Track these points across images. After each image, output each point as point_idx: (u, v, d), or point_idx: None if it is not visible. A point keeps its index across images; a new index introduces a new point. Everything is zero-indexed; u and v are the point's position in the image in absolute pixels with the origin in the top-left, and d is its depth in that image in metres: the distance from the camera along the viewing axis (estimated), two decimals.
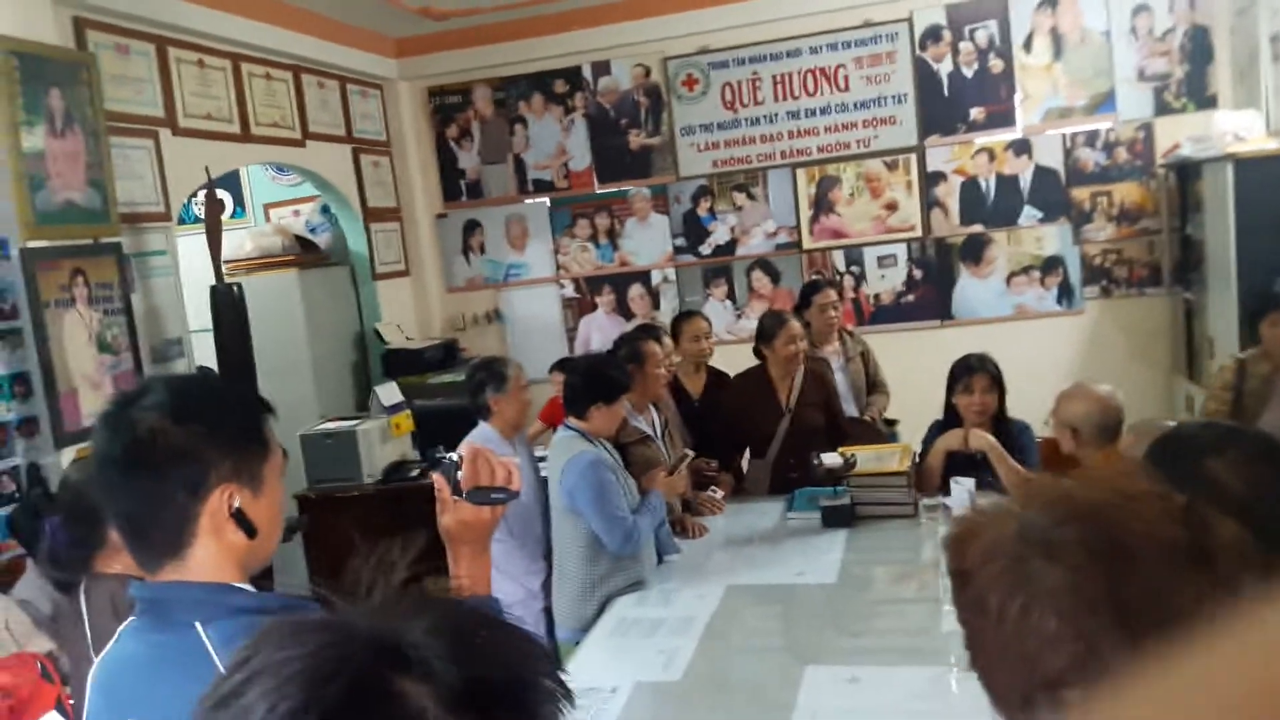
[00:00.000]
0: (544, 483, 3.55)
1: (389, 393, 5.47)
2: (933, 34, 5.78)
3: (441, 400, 5.47)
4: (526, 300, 6.56)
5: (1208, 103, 5.42)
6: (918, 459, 3.71)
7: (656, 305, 6.32)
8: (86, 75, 3.88)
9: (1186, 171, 5.00)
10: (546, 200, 6.44)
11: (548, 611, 3.34)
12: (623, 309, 6.39)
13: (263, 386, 4.61)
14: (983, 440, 3.47)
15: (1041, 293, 5.83)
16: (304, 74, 5.61)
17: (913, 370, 5.09)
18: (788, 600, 2.85)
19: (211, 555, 1.22)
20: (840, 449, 3.63)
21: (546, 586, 3.39)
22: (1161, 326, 5.65)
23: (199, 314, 4.63)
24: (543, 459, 3.81)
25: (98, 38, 4.14)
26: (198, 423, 1.21)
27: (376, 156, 6.33)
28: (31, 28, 3.64)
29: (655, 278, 6.31)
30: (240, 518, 1.22)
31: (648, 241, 6.30)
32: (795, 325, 3.95)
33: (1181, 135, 5.32)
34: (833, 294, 4.56)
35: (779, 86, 6.00)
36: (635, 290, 6.35)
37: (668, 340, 3.78)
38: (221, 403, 1.28)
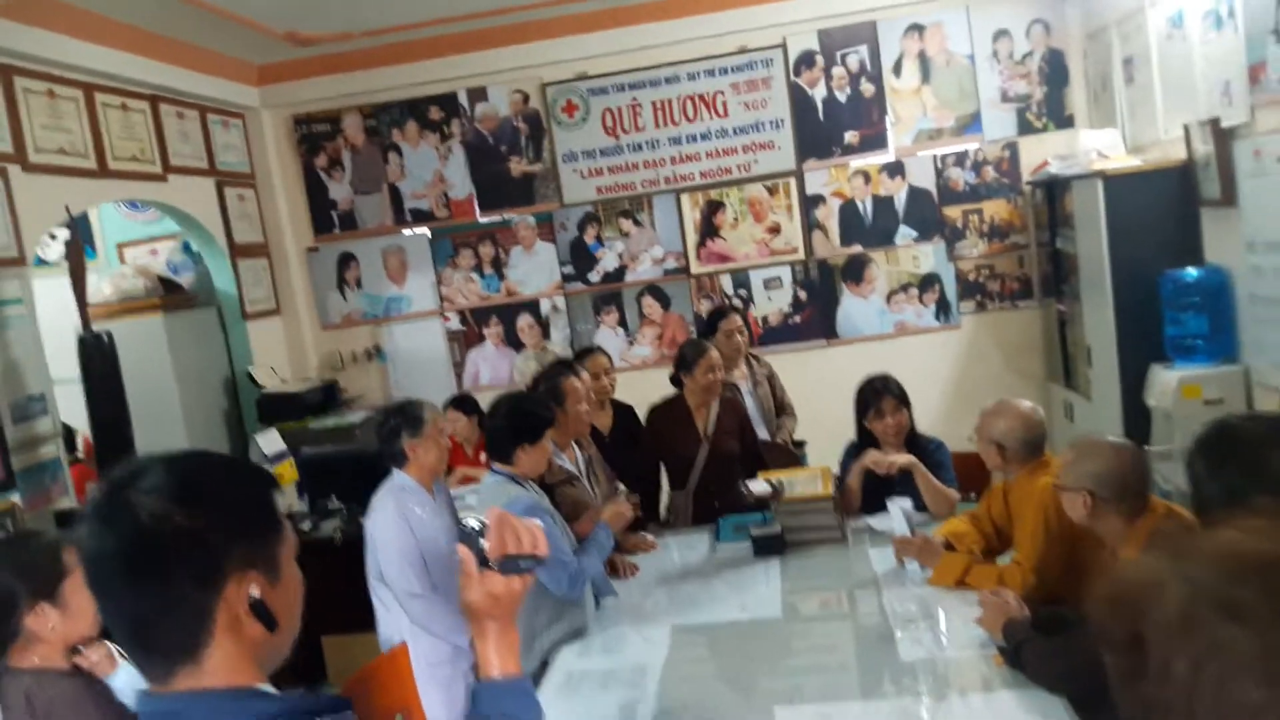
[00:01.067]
0: None
1: (269, 441, 5.16)
2: (806, 60, 5.91)
3: (331, 446, 5.20)
4: (409, 335, 6.32)
5: (1066, 122, 5.74)
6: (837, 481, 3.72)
7: (547, 335, 6.21)
8: None
9: (1055, 188, 5.25)
10: (426, 230, 6.24)
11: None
12: (512, 340, 6.25)
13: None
14: (904, 459, 3.51)
15: (920, 309, 6.02)
16: (162, 104, 5.26)
17: (803, 389, 5.15)
18: (737, 638, 2.79)
19: (230, 655, 1.07)
20: (763, 474, 3.61)
21: None
22: (1034, 337, 5.92)
23: (57, 365, 4.24)
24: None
25: None
26: (206, 504, 1.06)
27: (241, 189, 6.00)
28: None
29: (544, 307, 6.20)
30: (259, 609, 1.08)
31: (535, 270, 6.18)
32: (715, 354, 3.94)
33: (1044, 153, 5.61)
34: (738, 319, 4.57)
35: (659, 113, 6.01)
36: (524, 320, 6.22)
37: (587, 375, 3.69)
38: (228, 480, 1.12)
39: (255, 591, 1.07)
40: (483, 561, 1.26)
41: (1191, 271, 4.29)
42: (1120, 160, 4.74)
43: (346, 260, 6.32)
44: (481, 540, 1.26)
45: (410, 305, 6.30)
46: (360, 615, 3.49)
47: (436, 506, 3.29)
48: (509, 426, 3.06)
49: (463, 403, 5.09)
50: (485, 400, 5.17)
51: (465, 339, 6.29)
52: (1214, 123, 4.09)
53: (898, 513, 3.13)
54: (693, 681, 2.58)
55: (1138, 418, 4.54)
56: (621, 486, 3.26)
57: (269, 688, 1.11)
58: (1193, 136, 4.30)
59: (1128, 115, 5.12)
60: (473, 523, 1.27)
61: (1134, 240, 4.52)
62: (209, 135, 5.70)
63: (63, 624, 2.01)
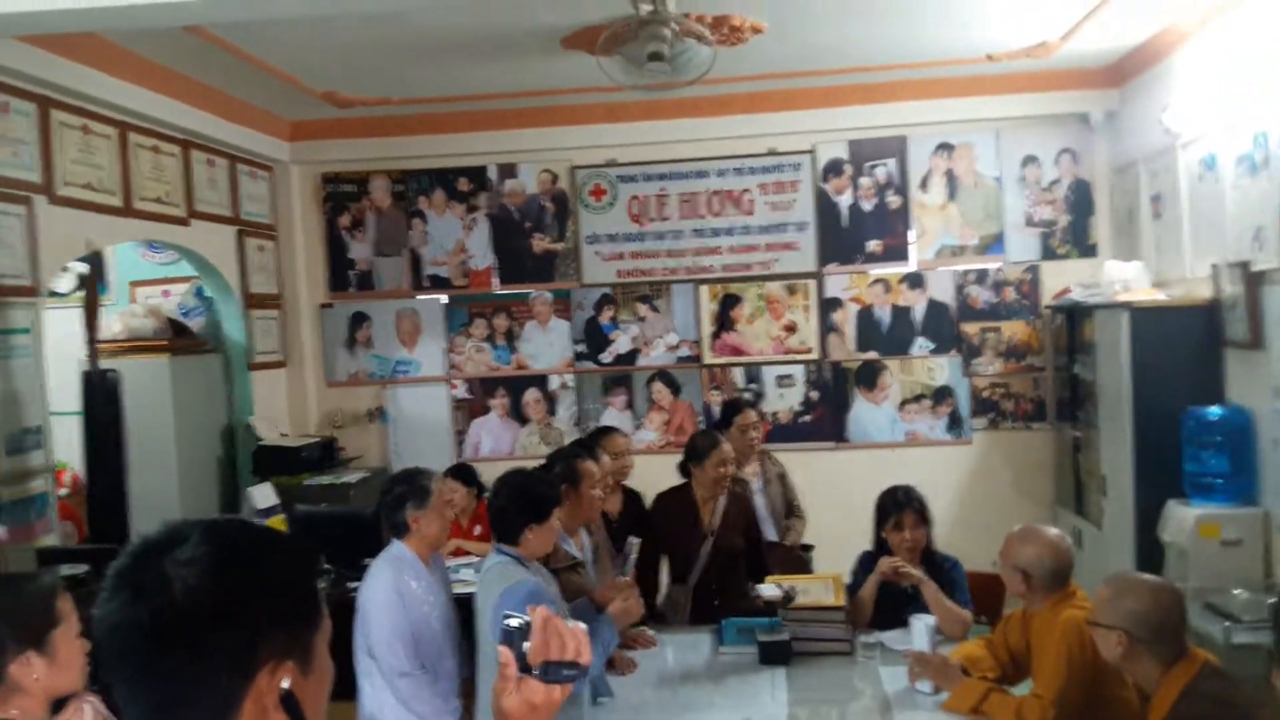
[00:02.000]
0: (458, 609, 3.26)
1: (264, 495, 5.06)
2: (834, 167, 5.97)
3: (324, 505, 5.08)
4: (414, 399, 6.25)
5: (1089, 251, 5.78)
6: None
7: (553, 411, 6.14)
8: None
9: (1076, 314, 5.25)
10: (443, 297, 6.21)
11: None
12: (517, 413, 6.17)
13: None
14: (918, 575, 3.41)
15: (932, 421, 5.97)
16: (193, 149, 5.28)
17: (809, 491, 5.05)
18: None
19: None
20: (770, 578, 3.50)
21: None
22: (1045, 460, 5.86)
23: (56, 398, 4.15)
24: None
25: None
26: (248, 582, 0.98)
27: (262, 240, 5.99)
28: None
29: (553, 383, 6.14)
30: (290, 702, 0.98)
31: (547, 346, 6.14)
32: (727, 447, 3.86)
33: (1065, 279, 5.64)
34: (753, 415, 4.50)
35: (686, 204, 6.05)
36: (531, 395, 6.15)
37: (605, 458, 3.60)
38: (272, 556, 1.03)
39: (287, 683, 0.98)
40: (522, 666, 1.16)
41: (1215, 410, 4.25)
42: (1145, 293, 4.74)
43: (359, 319, 6.27)
44: (524, 642, 1.17)
45: (418, 369, 6.24)
46: (338, 682, 3.34)
47: (432, 582, 3.17)
48: (516, 505, 2.96)
49: (461, 472, 4.98)
50: (485, 471, 5.10)
51: (470, 408, 6.21)
52: (1244, 265, 4.10)
53: (922, 628, 3.01)
54: None
55: (1150, 552, 4.45)
56: (634, 540, 3.06)
57: None
58: (1221, 277, 4.31)
59: (1153, 250, 5.15)
60: (515, 621, 1.18)
61: (1157, 374, 4.49)
62: (236, 184, 5.72)
63: (48, 675, 1.89)
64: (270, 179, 6.15)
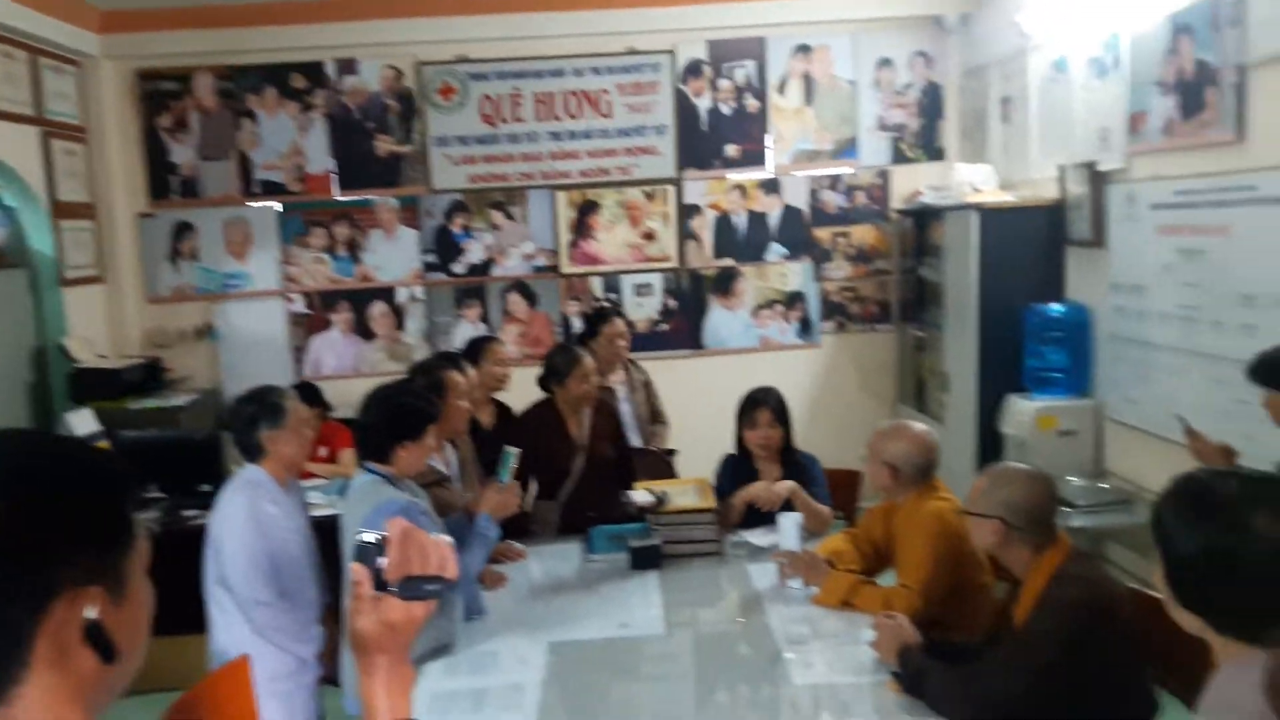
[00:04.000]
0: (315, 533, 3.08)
1: (83, 421, 4.67)
2: (694, 68, 5.84)
3: (152, 430, 4.71)
4: (246, 315, 5.85)
5: (937, 154, 5.89)
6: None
7: (401, 325, 5.87)
8: None
9: (924, 217, 5.35)
10: (276, 205, 5.79)
11: (328, 682, 2.89)
12: (362, 328, 5.87)
13: None
14: (784, 487, 3.42)
15: (784, 326, 6.03)
16: None
17: (669, 398, 5.03)
18: (620, 657, 2.61)
19: (49, 694, 0.80)
20: (640, 484, 3.45)
21: (324, 656, 2.92)
22: (889, 360, 6.04)
23: None
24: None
25: None
26: (40, 499, 0.81)
27: (71, 143, 5.40)
28: None
29: (401, 295, 5.86)
30: (96, 635, 0.82)
31: (394, 256, 5.83)
32: (589, 362, 3.73)
33: (914, 183, 5.74)
34: (620, 324, 4.40)
35: (541, 105, 5.80)
36: (378, 308, 5.85)
37: (471, 370, 3.42)
38: (72, 470, 0.85)
39: (93, 612, 0.82)
40: (379, 583, 1.04)
41: (1057, 307, 4.43)
42: (994, 195, 4.86)
43: (183, 229, 5.79)
44: (379, 558, 1.04)
45: (251, 283, 5.83)
46: (175, 617, 3.10)
47: (290, 506, 2.97)
48: (387, 422, 2.79)
49: (304, 391, 4.69)
50: (328, 390, 4.84)
51: (309, 324, 5.87)
52: (1089, 165, 4.23)
53: (790, 527, 3.03)
54: (576, 705, 2.38)
55: (991, 444, 4.66)
56: (512, 450, 2.97)
57: None
58: (1067, 177, 4.45)
59: (1001, 152, 5.28)
60: (370, 537, 1.05)
61: (1002, 273, 4.64)
62: (39, 80, 5.10)
63: None
64: (79, 74, 5.53)
